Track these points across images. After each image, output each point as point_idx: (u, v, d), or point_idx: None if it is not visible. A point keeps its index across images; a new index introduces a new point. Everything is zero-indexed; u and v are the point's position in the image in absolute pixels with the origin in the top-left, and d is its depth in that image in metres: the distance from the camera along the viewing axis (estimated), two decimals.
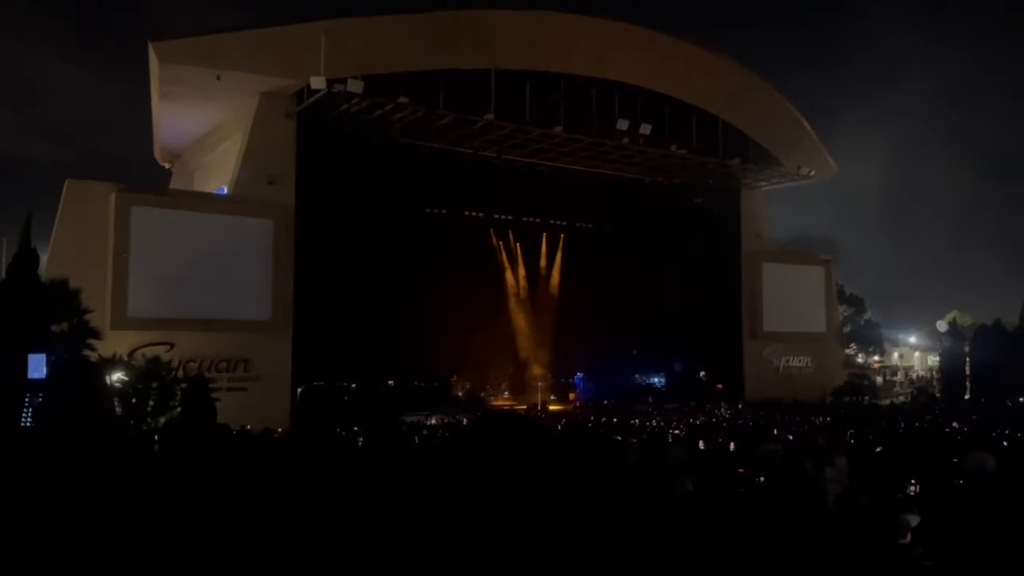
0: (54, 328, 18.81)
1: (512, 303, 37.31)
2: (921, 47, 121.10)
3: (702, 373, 38.94)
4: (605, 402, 33.86)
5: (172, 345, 23.56)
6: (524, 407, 33.25)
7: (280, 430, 16.80)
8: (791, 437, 14.25)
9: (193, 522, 3.01)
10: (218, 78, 25.15)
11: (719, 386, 37.07)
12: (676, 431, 17.94)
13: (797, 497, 2.31)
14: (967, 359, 40.95)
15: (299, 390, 27.80)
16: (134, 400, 19.17)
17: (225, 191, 27.16)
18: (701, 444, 12.00)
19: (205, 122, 29.10)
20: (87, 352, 18.59)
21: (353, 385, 30.83)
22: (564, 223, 37.32)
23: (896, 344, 64.03)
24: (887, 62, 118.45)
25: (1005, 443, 12.23)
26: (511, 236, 36.71)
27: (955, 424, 18.84)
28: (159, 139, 31.57)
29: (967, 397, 36.75)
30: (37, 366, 14.06)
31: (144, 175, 38.15)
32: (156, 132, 30.97)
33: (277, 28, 26.40)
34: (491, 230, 36.05)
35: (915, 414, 24.44)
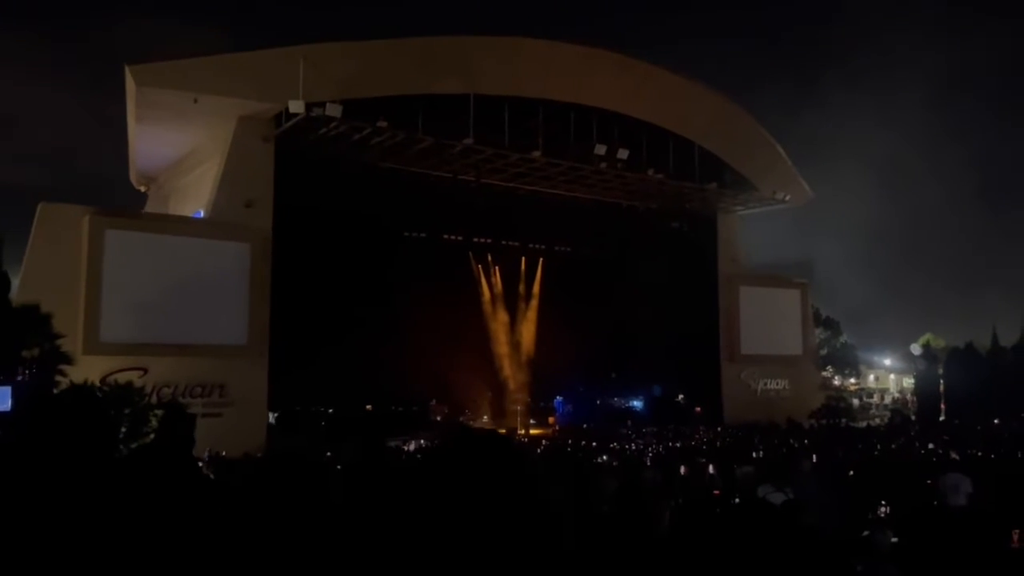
0: (25, 354, 18.50)
1: (491, 326, 37.30)
2: (894, 73, 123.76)
3: (681, 396, 39.02)
4: (584, 426, 33.78)
5: (146, 370, 23.22)
6: (503, 431, 33.11)
7: (259, 456, 16.59)
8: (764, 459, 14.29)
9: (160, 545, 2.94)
10: (195, 101, 25.07)
11: (698, 409, 37.15)
12: (652, 453, 17.94)
13: (770, 520, 2.31)
14: (941, 381, 41.42)
15: (274, 415, 27.48)
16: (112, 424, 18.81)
17: (201, 215, 26.98)
18: (682, 469, 11.97)
19: (182, 145, 28.98)
20: (58, 378, 18.29)
21: (330, 410, 30.55)
22: (543, 247, 37.48)
23: (871, 366, 64.74)
24: (863, 89, 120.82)
25: (979, 464, 12.34)
26: (490, 259, 36.78)
27: (931, 446, 18.99)
28: (135, 162, 31.36)
29: (941, 419, 37.11)
30: (2, 399, 13.56)
31: (119, 198, 37.82)
32: (132, 155, 30.76)
33: (255, 52, 26.43)
34: (470, 253, 36.10)
35: (891, 436, 24.62)
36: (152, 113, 25.94)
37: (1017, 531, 2.85)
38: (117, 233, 24.10)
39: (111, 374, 21.94)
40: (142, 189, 33.68)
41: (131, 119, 27.39)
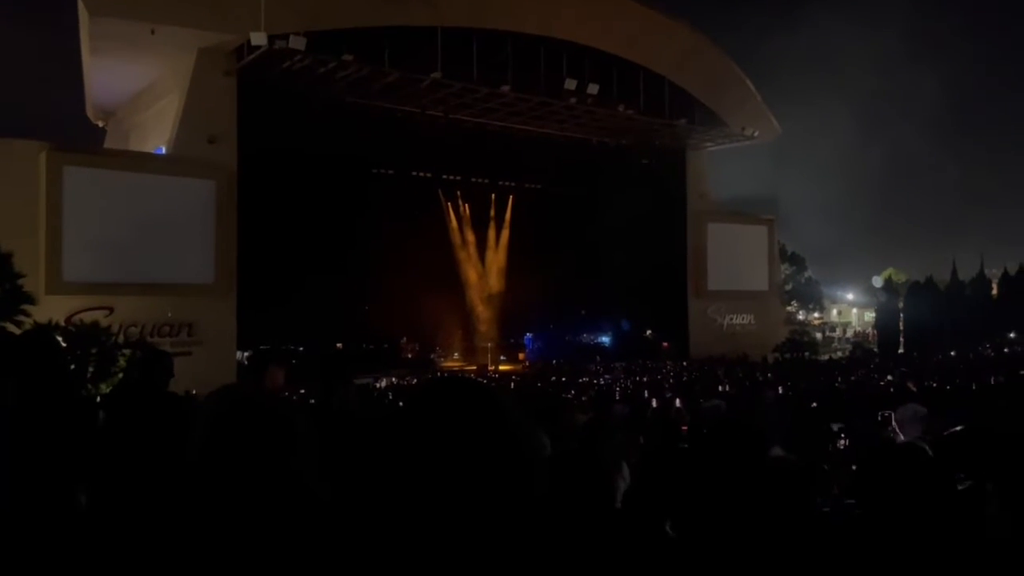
0: None
1: (461, 264, 37.29)
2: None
3: (648, 332, 39.59)
4: (554, 362, 34.25)
5: (111, 310, 22.95)
6: (474, 368, 33.47)
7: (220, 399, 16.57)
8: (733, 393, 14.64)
9: (140, 490, 2.98)
10: (152, 32, 24.18)
11: (665, 344, 37.78)
12: (621, 388, 18.27)
13: (736, 453, 2.40)
14: (901, 315, 42.47)
15: (244, 355, 27.38)
16: (73, 367, 18.68)
17: (163, 151, 26.33)
18: (654, 403, 12.22)
19: (140, 78, 28.03)
20: (21, 318, 18.03)
21: (301, 348, 30.54)
22: (513, 184, 37.26)
23: (835, 301, 66.05)
24: (839, 16, 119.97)
25: (935, 395, 12.75)
26: (459, 196, 36.53)
27: (889, 377, 19.55)
28: (91, 96, 30.34)
29: (901, 351, 38.17)
30: None
31: (76, 134, 36.64)
32: (88, 89, 29.75)
33: None
34: (439, 190, 35.81)
35: (851, 368, 25.28)
36: (107, 44, 25.01)
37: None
38: (76, 170, 23.48)
39: (76, 313, 21.71)
40: (100, 124, 32.69)
41: (85, 51, 26.40)
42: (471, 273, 37.63)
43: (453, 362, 36.09)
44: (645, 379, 23.57)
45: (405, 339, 34.67)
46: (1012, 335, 35.86)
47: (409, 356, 34.37)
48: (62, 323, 19.95)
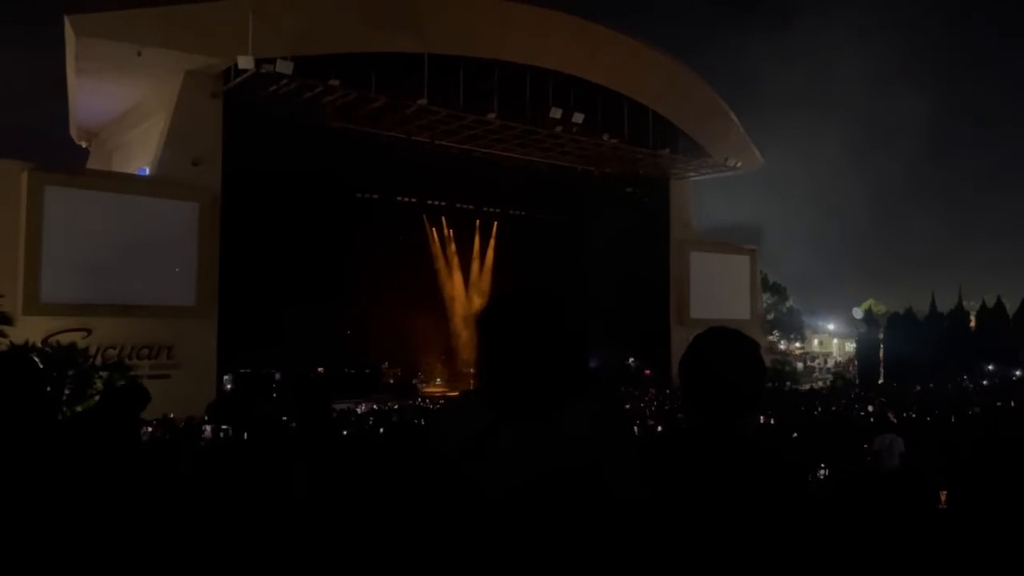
0: None
1: (444, 289, 37.25)
2: (846, 41, 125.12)
3: (631, 359, 39.61)
4: None
5: (90, 331, 22.69)
6: (456, 394, 33.28)
7: (207, 418, 16.38)
8: None
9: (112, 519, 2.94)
10: (139, 54, 24.19)
11: (647, 372, 37.79)
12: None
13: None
14: (881, 346, 42.83)
15: (225, 378, 27.10)
16: (49, 388, 18.40)
17: (147, 172, 26.24)
18: (635, 430, 12.21)
19: (125, 100, 28.01)
20: None
21: (279, 373, 30.27)
22: (497, 210, 37.39)
23: (816, 331, 66.59)
24: (816, 56, 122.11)
25: (913, 426, 12.83)
26: (444, 222, 36.59)
27: (869, 408, 19.66)
28: (75, 117, 30.25)
29: (880, 382, 38.44)
30: None
31: (59, 154, 36.48)
32: (72, 109, 29.65)
33: (202, 3, 25.50)
34: (424, 216, 35.85)
35: (832, 398, 25.41)
36: (93, 65, 24.98)
37: (945, 492, 3.01)
38: (58, 190, 23.31)
39: (53, 335, 21.41)
40: (83, 145, 32.57)
41: (71, 72, 26.35)
42: (454, 298, 37.59)
43: (435, 388, 35.88)
44: (627, 406, 23.54)
45: (387, 364, 34.43)
46: (990, 367, 36.24)
47: (391, 381, 34.11)
48: (38, 344, 19.67)
